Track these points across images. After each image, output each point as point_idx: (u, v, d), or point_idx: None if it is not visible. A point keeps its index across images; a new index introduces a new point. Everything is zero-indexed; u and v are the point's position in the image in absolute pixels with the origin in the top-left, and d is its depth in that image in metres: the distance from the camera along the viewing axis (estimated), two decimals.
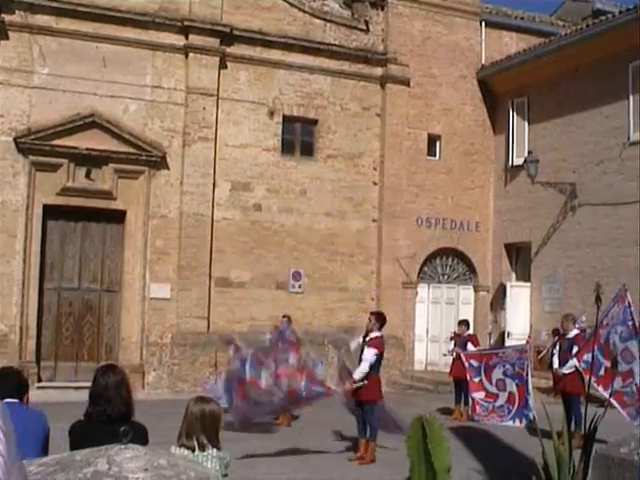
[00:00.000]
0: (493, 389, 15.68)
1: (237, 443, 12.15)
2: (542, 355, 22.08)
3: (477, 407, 16.00)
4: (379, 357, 13.15)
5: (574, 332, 15.47)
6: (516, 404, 15.39)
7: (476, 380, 16.02)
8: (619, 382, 10.89)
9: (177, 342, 21.62)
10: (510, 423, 15.49)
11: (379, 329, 13.28)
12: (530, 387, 15.44)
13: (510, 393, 15.43)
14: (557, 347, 16.49)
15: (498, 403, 15.61)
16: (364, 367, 12.87)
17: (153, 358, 21.60)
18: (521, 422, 15.37)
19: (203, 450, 5.56)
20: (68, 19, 21.02)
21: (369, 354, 12.93)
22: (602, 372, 12.38)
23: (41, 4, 20.71)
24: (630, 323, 11.29)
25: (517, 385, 15.36)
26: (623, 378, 10.51)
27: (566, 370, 14.93)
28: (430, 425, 3.60)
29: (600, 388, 12.73)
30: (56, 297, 21.24)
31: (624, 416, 12.46)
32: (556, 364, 16.05)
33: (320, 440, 14.43)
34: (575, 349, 14.54)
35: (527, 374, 15.36)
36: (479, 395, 15.92)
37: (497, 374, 15.64)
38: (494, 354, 16.36)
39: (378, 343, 13.13)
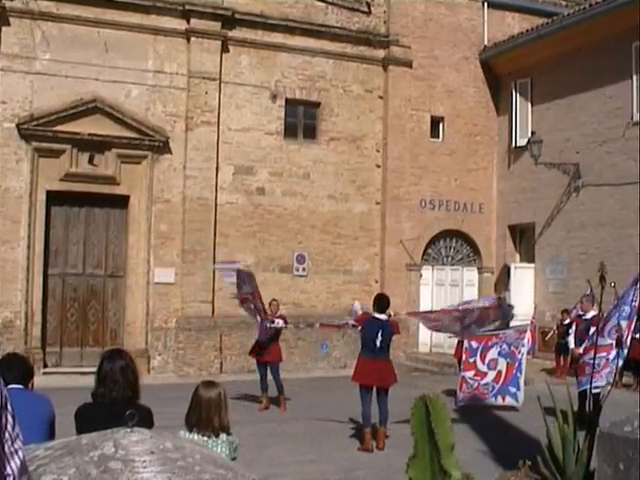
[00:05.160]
0: (484, 368, 15.69)
1: (245, 426, 12.21)
2: (549, 337, 22.14)
3: (463, 385, 15.97)
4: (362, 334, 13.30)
5: (592, 313, 15.51)
6: (501, 381, 15.41)
7: (471, 360, 16.03)
8: (591, 354, 10.90)
9: (182, 326, 21.67)
10: (492, 400, 15.50)
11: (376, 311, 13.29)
12: (523, 366, 15.45)
13: (498, 371, 15.46)
14: (573, 327, 16.59)
15: (484, 381, 15.61)
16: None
17: (158, 343, 21.66)
18: (503, 399, 15.36)
19: (217, 436, 5.60)
20: (69, 4, 20.97)
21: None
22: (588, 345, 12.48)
23: None
24: (635, 304, 11.30)
25: (507, 363, 15.38)
26: (598, 350, 10.51)
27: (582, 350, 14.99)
28: (433, 404, 3.62)
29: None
30: (61, 283, 21.28)
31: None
32: (572, 344, 16.14)
33: (326, 423, 14.48)
34: (592, 329, 14.57)
35: (521, 353, 15.38)
36: (468, 374, 15.92)
37: (492, 354, 15.65)
38: (495, 335, 16.39)
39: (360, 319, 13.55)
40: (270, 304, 17.02)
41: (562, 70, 23.49)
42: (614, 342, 10.64)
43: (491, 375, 15.58)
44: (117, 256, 21.84)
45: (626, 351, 11.05)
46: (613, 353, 10.80)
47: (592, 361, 10.46)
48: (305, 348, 22.78)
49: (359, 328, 13.28)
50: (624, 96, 21.41)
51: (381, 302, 13.17)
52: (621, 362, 10.99)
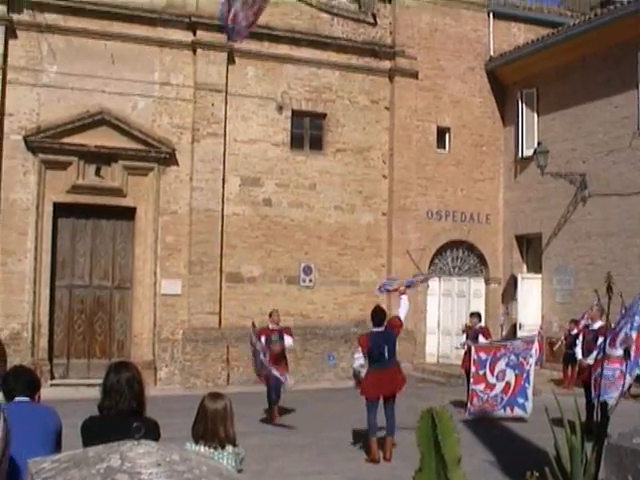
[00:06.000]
0: (493, 380, 15.67)
1: (252, 437, 12.19)
2: (556, 347, 22.07)
3: (474, 398, 15.97)
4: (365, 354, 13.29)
5: (599, 323, 15.49)
6: (510, 393, 15.38)
7: (481, 373, 16.00)
8: (605, 365, 10.82)
9: (189, 338, 21.66)
10: (501, 412, 15.48)
11: (374, 325, 13.36)
12: (531, 377, 15.42)
13: (507, 383, 15.44)
14: (580, 338, 16.56)
15: (493, 393, 15.60)
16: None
17: (165, 354, 21.66)
18: (512, 410, 15.34)
19: (223, 448, 5.60)
20: (76, 17, 21.07)
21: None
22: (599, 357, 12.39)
23: (49, 3, 20.75)
24: None
25: (516, 375, 15.36)
26: (611, 362, 10.44)
27: (591, 360, 14.95)
28: (439, 416, 3.61)
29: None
30: (68, 294, 21.30)
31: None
32: (579, 354, 16.11)
33: (333, 434, 14.46)
34: (600, 340, 14.53)
35: (529, 364, 15.35)
36: (479, 387, 15.89)
37: (501, 365, 15.64)
38: (503, 346, 16.35)
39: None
40: (271, 314, 17.06)
41: (568, 80, 23.50)
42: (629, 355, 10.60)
43: (499, 387, 15.57)
44: (124, 268, 21.86)
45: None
46: (630, 365, 10.74)
47: (608, 374, 10.40)
48: (312, 359, 22.75)
49: (366, 350, 13.26)
50: (630, 106, 21.40)
51: (378, 315, 13.37)
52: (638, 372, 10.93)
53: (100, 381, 5.49)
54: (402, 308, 13.78)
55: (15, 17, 20.51)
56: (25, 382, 5.72)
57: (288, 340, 16.84)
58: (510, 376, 15.54)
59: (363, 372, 13.47)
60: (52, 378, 20.36)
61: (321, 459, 12.48)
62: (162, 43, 22.03)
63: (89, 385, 17.94)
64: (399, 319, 13.50)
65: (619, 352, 10.59)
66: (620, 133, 21.67)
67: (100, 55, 21.25)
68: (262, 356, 15.23)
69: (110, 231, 21.79)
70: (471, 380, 16.44)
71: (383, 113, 24.75)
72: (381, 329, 13.16)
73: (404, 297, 13.94)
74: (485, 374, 15.98)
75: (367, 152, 24.50)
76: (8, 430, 2.32)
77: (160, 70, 22.03)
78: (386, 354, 12.93)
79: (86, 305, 21.51)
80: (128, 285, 21.82)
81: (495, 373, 15.78)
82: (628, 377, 10.77)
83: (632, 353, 10.34)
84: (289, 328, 17.49)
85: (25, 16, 20.68)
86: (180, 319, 21.80)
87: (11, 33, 20.50)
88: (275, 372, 15.15)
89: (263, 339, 16.35)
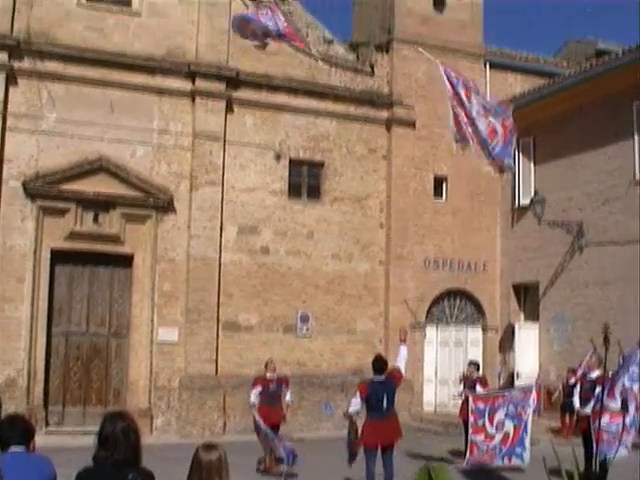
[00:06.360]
0: (492, 431, 15.55)
1: None
2: (555, 397, 21.95)
3: (475, 449, 15.83)
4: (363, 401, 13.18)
5: (596, 373, 15.45)
6: (508, 443, 15.26)
7: (479, 423, 15.88)
8: (606, 420, 10.76)
9: (185, 386, 21.55)
10: (499, 463, 15.34)
11: (375, 373, 13.27)
12: (528, 427, 15.32)
13: (505, 434, 15.31)
14: (578, 387, 16.49)
15: (492, 444, 15.48)
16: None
17: (161, 402, 21.53)
18: (510, 460, 15.20)
19: None
20: (76, 65, 21.23)
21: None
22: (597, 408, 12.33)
23: (50, 51, 20.95)
24: None
25: (514, 426, 15.25)
26: (612, 416, 10.40)
27: (588, 410, 14.89)
28: (436, 473, 3.60)
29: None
30: (64, 341, 21.23)
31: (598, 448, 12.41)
32: (577, 404, 16.03)
33: None
34: (598, 389, 14.48)
35: (527, 414, 15.25)
36: (479, 438, 15.77)
37: (499, 416, 15.51)
38: (501, 395, 16.25)
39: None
40: (267, 365, 16.99)
41: (564, 129, 23.65)
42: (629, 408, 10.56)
43: (498, 437, 15.43)
44: (121, 315, 21.81)
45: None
46: (629, 418, 10.70)
47: (612, 430, 10.36)
48: (309, 408, 22.63)
49: (364, 397, 13.18)
50: (626, 155, 21.50)
51: (379, 364, 13.27)
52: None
53: (96, 429, 5.45)
54: (401, 359, 13.72)
55: (16, 64, 20.67)
56: (20, 431, 5.68)
57: (287, 395, 16.90)
58: (509, 427, 15.41)
59: (356, 418, 13.39)
60: (47, 425, 20.20)
61: None
62: (161, 91, 22.18)
63: (84, 433, 17.78)
64: (399, 371, 13.45)
65: (618, 404, 10.55)
66: (616, 182, 21.76)
67: (99, 103, 21.38)
68: (269, 435, 15.11)
69: (107, 278, 21.77)
70: (470, 430, 16.31)
71: (380, 162, 24.86)
72: (382, 378, 13.09)
73: (403, 347, 13.89)
74: (484, 424, 15.85)
75: (364, 201, 24.57)
76: None
77: (159, 118, 22.15)
78: (385, 403, 12.86)
79: (82, 352, 21.43)
80: (125, 332, 21.75)
81: (494, 423, 15.65)
82: (633, 432, 10.71)
83: (630, 407, 10.31)
84: (287, 379, 17.39)
85: (26, 63, 20.84)
86: (177, 367, 21.70)
87: (12, 80, 20.65)
88: (281, 449, 14.82)
89: (260, 388, 16.29)
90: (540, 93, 24.24)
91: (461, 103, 13.31)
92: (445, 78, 13.39)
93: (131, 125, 21.71)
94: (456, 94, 13.28)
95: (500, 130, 13.58)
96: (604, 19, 58.68)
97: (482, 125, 13.27)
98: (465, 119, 13.26)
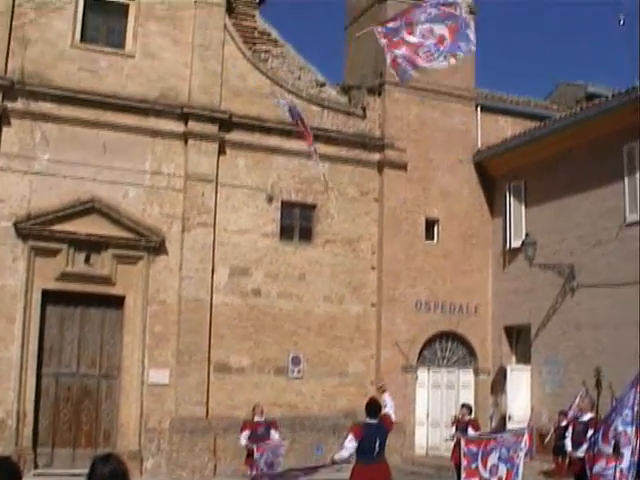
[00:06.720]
0: (486, 474, 15.46)
1: None
2: (547, 440, 21.83)
3: None
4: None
5: (588, 415, 15.42)
6: None
7: (473, 466, 15.78)
8: (602, 464, 10.68)
9: (175, 428, 21.40)
10: None
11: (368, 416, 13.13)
12: (520, 470, 15.23)
13: (499, 478, 15.22)
14: (570, 430, 16.43)
15: None
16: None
17: (151, 444, 21.36)
18: None
19: None
20: (70, 106, 21.31)
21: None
22: (593, 453, 12.23)
23: (43, 92, 21.03)
24: (637, 408, 11.17)
25: (507, 469, 15.16)
26: (607, 461, 10.32)
27: (581, 453, 14.83)
28: None
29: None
30: (54, 382, 21.08)
31: None
32: (569, 447, 15.97)
33: None
34: (590, 432, 14.42)
35: (519, 457, 15.17)
36: None
37: (493, 459, 15.42)
38: (493, 439, 16.17)
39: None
40: (254, 409, 16.97)
41: (555, 172, 23.75)
42: (623, 452, 10.48)
43: None
44: (112, 356, 21.70)
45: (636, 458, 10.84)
46: (625, 463, 10.61)
47: (607, 472, 10.28)
48: (300, 451, 22.43)
49: (359, 439, 13.05)
50: (617, 197, 21.57)
51: (372, 407, 13.13)
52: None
53: (85, 471, 5.40)
54: (389, 406, 13.63)
55: (9, 105, 20.74)
56: (6, 474, 5.63)
57: (275, 436, 16.79)
58: (502, 471, 15.31)
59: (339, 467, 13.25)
60: (36, 467, 20.00)
61: None
62: (154, 133, 22.26)
63: (73, 475, 17.66)
64: (389, 417, 13.36)
65: (611, 449, 10.48)
66: (607, 224, 21.82)
67: (92, 144, 21.44)
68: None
69: (98, 319, 21.69)
70: (462, 474, 16.20)
71: (372, 204, 24.92)
72: (375, 421, 12.98)
73: (386, 395, 13.81)
74: (477, 468, 15.75)
75: (356, 243, 24.60)
76: None
77: (151, 159, 22.21)
78: (377, 448, 12.72)
79: (72, 393, 21.28)
80: (115, 374, 21.62)
81: (487, 467, 15.55)
82: (629, 477, 10.62)
83: (625, 451, 10.24)
84: (275, 422, 17.35)
85: (19, 104, 20.91)
86: (167, 409, 21.57)
87: (5, 120, 20.71)
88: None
89: (248, 432, 16.26)
90: (531, 136, 24.39)
91: (399, 42, 13.22)
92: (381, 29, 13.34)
93: (124, 166, 21.75)
94: (392, 36, 13.20)
95: (447, 34, 13.51)
96: (595, 62, 59.22)
97: (430, 41, 13.22)
98: (405, 51, 13.16)
